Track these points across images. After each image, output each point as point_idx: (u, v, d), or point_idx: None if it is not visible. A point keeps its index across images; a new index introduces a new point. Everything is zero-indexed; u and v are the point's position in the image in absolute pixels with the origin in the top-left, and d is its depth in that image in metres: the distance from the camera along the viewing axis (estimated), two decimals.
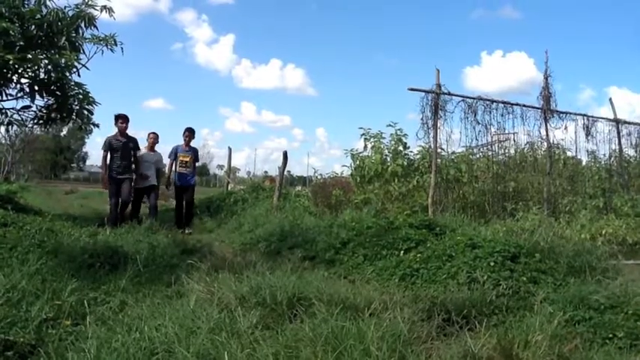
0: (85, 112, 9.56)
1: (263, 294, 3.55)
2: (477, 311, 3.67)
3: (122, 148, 9.16)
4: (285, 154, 11.33)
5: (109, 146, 9.17)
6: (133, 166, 9.46)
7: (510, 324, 3.43)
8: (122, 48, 9.31)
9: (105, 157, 9.20)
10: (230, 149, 15.70)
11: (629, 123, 11.44)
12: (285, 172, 12.63)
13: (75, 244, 5.38)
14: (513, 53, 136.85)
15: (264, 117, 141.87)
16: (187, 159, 10.17)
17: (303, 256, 6.01)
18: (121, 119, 9.28)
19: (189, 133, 10.37)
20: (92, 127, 10.24)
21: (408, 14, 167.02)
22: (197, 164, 10.77)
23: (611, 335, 3.29)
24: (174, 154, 10.14)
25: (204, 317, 3.10)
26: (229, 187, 14.98)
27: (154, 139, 10.12)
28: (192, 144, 10.48)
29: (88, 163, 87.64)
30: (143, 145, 9.90)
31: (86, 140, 78.89)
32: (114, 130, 9.30)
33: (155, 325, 3.04)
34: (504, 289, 4.14)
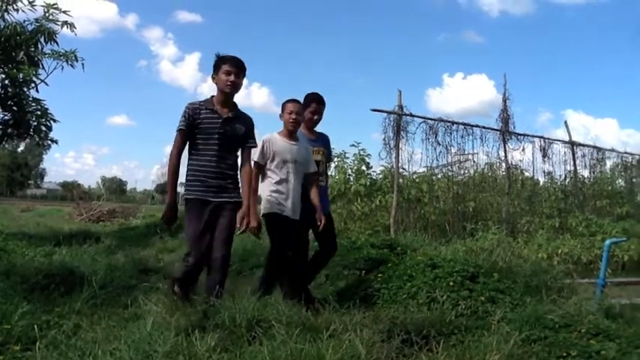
0: (43, 129, 9.38)
1: (222, 316, 3.50)
2: (436, 331, 3.69)
3: (223, 131, 3.96)
4: None
5: (188, 122, 3.94)
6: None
7: (468, 344, 3.46)
8: (83, 64, 9.24)
9: (178, 151, 3.98)
10: None
11: (583, 145, 11.85)
12: None
13: (29, 265, 5.20)
14: (474, 76, 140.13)
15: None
16: (318, 157, 4.88)
17: None
18: (231, 64, 3.99)
19: (318, 104, 4.86)
20: (50, 143, 10.05)
21: (376, 36, 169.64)
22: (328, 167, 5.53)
23: (565, 354, 3.35)
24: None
25: (161, 340, 3.03)
26: None
27: (295, 108, 4.59)
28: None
29: (46, 179, 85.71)
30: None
31: (44, 156, 77.25)
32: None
33: (110, 349, 2.96)
34: (463, 308, 4.19)
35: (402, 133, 9.05)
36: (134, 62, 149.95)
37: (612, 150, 12.74)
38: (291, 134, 4.62)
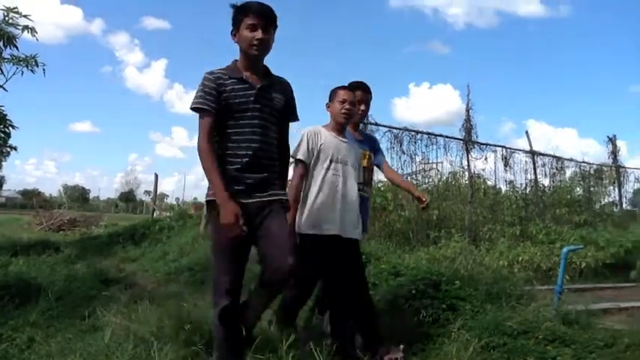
0: (2, 135, 9.14)
1: (183, 327, 3.46)
2: (398, 340, 3.72)
3: (259, 105, 2.93)
4: None
5: (215, 98, 2.85)
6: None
7: (429, 352, 3.52)
8: (44, 69, 9.03)
9: (208, 137, 2.83)
10: (156, 176, 15.43)
11: (543, 154, 12.13)
12: None
13: None
14: (439, 86, 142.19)
15: (196, 142, 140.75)
16: (364, 163, 3.99)
17: None
18: (255, 15, 2.87)
19: (364, 92, 3.96)
20: (9, 150, 9.81)
21: (344, 45, 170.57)
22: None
23: None
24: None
25: (119, 353, 2.98)
26: (155, 215, 14.60)
27: (349, 96, 3.63)
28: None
29: (5, 187, 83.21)
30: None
31: (3, 164, 75.05)
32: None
33: None
34: (424, 316, 4.23)
35: None
36: (99, 68, 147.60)
37: (571, 159, 13.07)
38: (340, 129, 3.65)
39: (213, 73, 2.89)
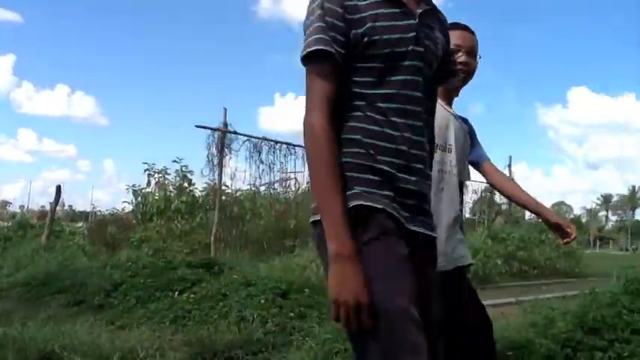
0: None
1: (6, 348, 3.17)
2: (244, 351, 3.73)
3: (423, 49, 1.39)
4: (58, 188, 10.44)
5: (340, 35, 1.33)
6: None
7: None
8: None
9: (326, 113, 1.32)
10: None
11: None
12: (67, 207, 11.62)
13: None
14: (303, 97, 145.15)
15: (46, 146, 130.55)
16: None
17: (69, 301, 5.53)
18: None
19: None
20: None
21: (211, 50, 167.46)
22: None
23: None
24: None
25: None
26: None
27: (466, 39, 2.13)
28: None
29: None
30: None
31: None
32: None
33: None
34: (272, 325, 4.27)
35: (226, 150, 9.07)
36: None
37: None
38: (450, 95, 2.20)
39: None
